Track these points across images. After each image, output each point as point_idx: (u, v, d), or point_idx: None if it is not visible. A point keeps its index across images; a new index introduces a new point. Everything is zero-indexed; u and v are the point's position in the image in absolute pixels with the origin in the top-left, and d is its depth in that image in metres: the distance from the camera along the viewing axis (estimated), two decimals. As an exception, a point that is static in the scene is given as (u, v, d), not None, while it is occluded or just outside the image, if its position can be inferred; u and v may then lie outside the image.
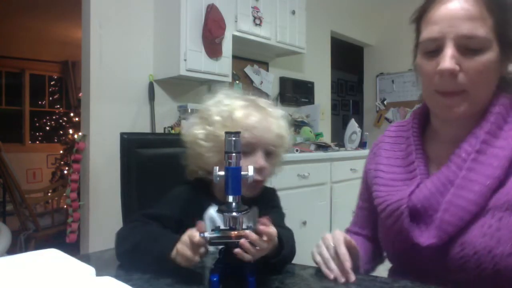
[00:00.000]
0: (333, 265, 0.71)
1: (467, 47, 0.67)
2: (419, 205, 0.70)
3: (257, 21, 2.72)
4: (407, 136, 0.81)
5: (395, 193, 0.75)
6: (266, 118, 0.87)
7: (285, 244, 0.72)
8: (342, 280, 0.68)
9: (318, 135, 3.20)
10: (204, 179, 0.92)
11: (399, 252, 0.78)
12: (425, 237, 0.69)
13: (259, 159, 0.85)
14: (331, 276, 0.70)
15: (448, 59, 0.66)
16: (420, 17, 0.74)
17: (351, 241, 0.74)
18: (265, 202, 0.92)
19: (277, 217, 0.90)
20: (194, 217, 0.73)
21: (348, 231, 0.99)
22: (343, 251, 0.71)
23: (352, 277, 0.68)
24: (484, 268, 0.64)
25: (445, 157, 0.73)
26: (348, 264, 0.69)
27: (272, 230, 0.65)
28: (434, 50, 0.69)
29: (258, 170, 0.84)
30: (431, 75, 0.69)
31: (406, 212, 0.70)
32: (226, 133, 0.66)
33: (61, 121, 5.78)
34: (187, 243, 0.65)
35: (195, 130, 0.89)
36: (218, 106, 0.88)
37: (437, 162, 0.76)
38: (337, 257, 0.71)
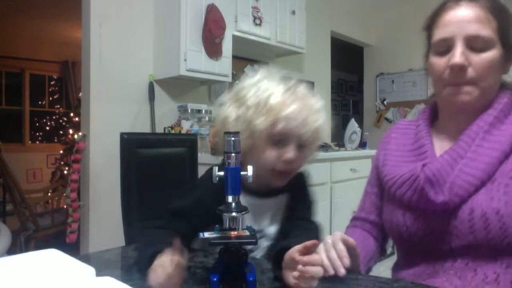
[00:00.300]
0: (324, 257, 0.72)
1: (474, 46, 0.76)
2: (431, 175, 0.77)
3: (257, 21, 2.72)
4: (417, 128, 0.90)
5: (405, 168, 0.83)
6: (305, 110, 0.81)
7: None
8: (331, 272, 0.70)
9: (318, 135, 3.19)
10: None
11: (410, 223, 0.81)
12: (439, 197, 0.76)
13: (290, 152, 0.81)
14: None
15: (458, 55, 0.75)
16: (431, 24, 0.86)
17: (348, 240, 0.75)
18: (296, 189, 0.90)
19: (305, 211, 0.90)
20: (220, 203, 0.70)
21: (354, 218, 1.01)
22: (340, 247, 0.73)
23: (342, 271, 0.70)
24: (491, 229, 0.71)
25: (448, 147, 0.82)
26: (346, 260, 0.71)
27: (315, 263, 0.62)
28: (445, 50, 0.79)
29: (287, 162, 0.82)
30: (442, 70, 0.79)
31: (422, 176, 0.77)
32: (225, 133, 0.66)
33: (61, 121, 5.78)
34: (161, 274, 0.60)
35: (226, 110, 0.85)
36: (255, 88, 0.83)
37: (443, 150, 0.83)
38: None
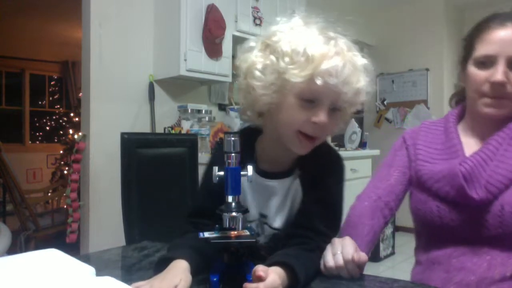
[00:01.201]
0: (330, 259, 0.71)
1: None
2: (467, 173, 0.85)
3: (257, 21, 2.72)
4: (446, 128, 0.97)
5: (441, 165, 0.91)
6: (348, 66, 0.70)
7: (300, 279, 0.64)
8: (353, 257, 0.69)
9: (318, 135, 3.20)
10: (253, 129, 0.81)
11: (444, 214, 0.88)
12: (476, 193, 0.84)
13: (322, 114, 0.70)
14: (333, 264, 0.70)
15: (500, 74, 0.84)
16: (473, 37, 0.92)
17: (360, 258, 0.72)
18: (318, 166, 0.79)
19: (320, 208, 0.77)
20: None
21: (360, 198, 1.01)
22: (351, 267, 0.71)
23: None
24: None
25: (475, 148, 0.91)
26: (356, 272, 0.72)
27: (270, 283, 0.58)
28: (486, 64, 0.87)
29: (317, 126, 0.71)
30: (482, 82, 0.88)
31: (460, 174, 0.85)
32: (225, 133, 0.66)
33: (61, 121, 5.78)
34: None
35: (253, 57, 0.73)
36: (290, 34, 0.71)
37: (471, 150, 0.91)
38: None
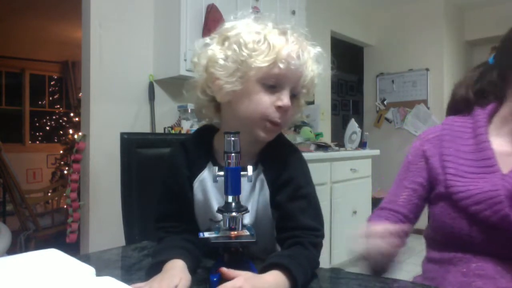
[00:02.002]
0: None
1: None
2: (508, 194, 0.78)
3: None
4: (476, 134, 0.88)
5: (477, 183, 0.82)
6: (306, 53, 0.75)
7: (298, 279, 0.64)
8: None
9: (318, 135, 3.20)
10: (209, 127, 0.84)
11: (475, 234, 0.82)
12: None
13: (285, 97, 0.73)
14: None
15: None
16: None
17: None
18: (279, 160, 0.79)
19: (296, 192, 0.77)
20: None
21: (382, 208, 0.95)
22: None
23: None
24: None
25: (508, 151, 0.85)
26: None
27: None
28: None
29: (281, 110, 0.74)
30: None
31: (506, 200, 0.78)
32: (225, 133, 0.66)
33: (61, 121, 5.78)
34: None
35: (214, 49, 0.75)
36: (248, 27, 0.75)
37: (501, 155, 0.85)
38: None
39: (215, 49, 0.75)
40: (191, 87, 0.80)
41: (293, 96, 0.76)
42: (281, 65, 0.72)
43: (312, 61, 0.77)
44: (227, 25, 0.77)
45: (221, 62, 0.73)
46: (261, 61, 0.71)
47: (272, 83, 0.73)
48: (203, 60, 0.76)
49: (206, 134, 0.84)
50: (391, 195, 0.95)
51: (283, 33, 0.75)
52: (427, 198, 0.92)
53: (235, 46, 0.73)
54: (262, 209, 0.79)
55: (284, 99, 0.73)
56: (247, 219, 0.79)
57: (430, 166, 0.90)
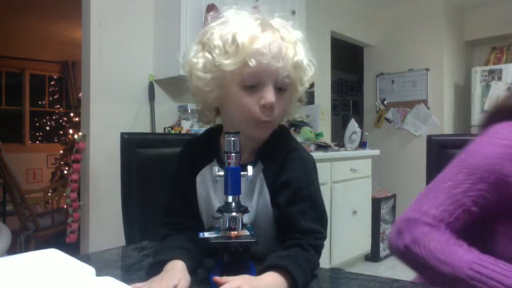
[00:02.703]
0: None
1: None
2: None
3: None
4: None
5: None
6: (278, 41, 0.71)
7: (298, 280, 0.63)
8: None
9: (318, 135, 3.20)
10: (214, 129, 0.84)
11: None
12: None
13: (268, 94, 0.70)
14: None
15: None
16: None
17: None
18: (276, 160, 0.77)
19: (297, 194, 0.74)
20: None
21: (435, 219, 0.71)
22: None
23: None
24: None
25: None
26: None
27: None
28: None
29: (266, 108, 0.71)
30: None
31: None
32: (225, 133, 0.66)
33: (61, 121, 5.78)
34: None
35: (192, 58, 0.74)
36: (220, 28, 0.73)
37: None
38: None
39: (194, 58, 0.74)
40: (193, 94, 0.81)
41: (279, 90, 0.73)
42: (251, 63, 0.69)
43: (291, 48, 0.73)
44: (207, 27, 0.76)
45: (199, 73, 0.73)
46: (231, 64, 0.69)
47: (251, 83, 0.71)
48: (186, 70, 0.77)
49: (214, 133, 0.85)
50: (445, 205, 0.71)
51: (255, 26, 0.72)
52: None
53: (207, 53, 0.72)
54: (262, 209, 0.78)
55: (268, 97, 0.70)
56: (246, 217, 0.77)
57: (498, 184, 0.68)
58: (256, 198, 0.78)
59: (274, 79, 0.71)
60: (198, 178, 0.82)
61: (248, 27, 0.71)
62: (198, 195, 0.82)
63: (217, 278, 0.59)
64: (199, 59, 0.73)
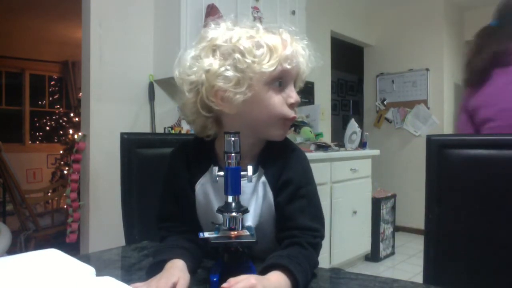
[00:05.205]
0: None
1: None
2: None
3: (257, 21, 2.72)
4: None
5: None
6: (300, 48, 0.77)
7: (298, 278, 0.64)
8: None
9: (318, 135, 3.20)
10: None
11: None
12: None
13: (293, 93, 0.76)
14: None
15: None
16: None
17: None
18: (277, 162, 0.78)
19: (296, 192, 0.76)
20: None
21: None
22: None
23: None
24: None
25: None
26: None
27: None
28: None
29: (293, 106, 0.76)
30: None
31: None
32: (225, 133, 0.65)
33: (61, 121, 5.78)
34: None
35: (211, 63, 0.71)
36: (237, 34, 0.73)
37: None
38: None
39: (211, 61, 0.72)
40: (184, 108, 0.78)
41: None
42: (286, 65, 0.73)
43: (308, 55, 0.78)
44: (208, 34, 0.74)
45: (227, 73, 0.70)
46: (267, 65, 0.71)
47: (278, 83, 0.74)
48: (200, 77, 0.72)
49: (206, 141, 0.82)
50: None
51: (273, 32, 0.75)
52: None
53: (237, 55, 0.70)
54: (267, 212, 0.78)
55: (294, 95, 0.76)
56: (250, 220, 0.78)
57: None
58: (261, 203, 0.79)
59: (295, 79, 0.77)
60: (197, 186, 0.80)
61: (270, 35, 0.74)
62: (198, 203, 0.81)
63: (225, 286, 0.57)
64: (218, 62, 0.71)
